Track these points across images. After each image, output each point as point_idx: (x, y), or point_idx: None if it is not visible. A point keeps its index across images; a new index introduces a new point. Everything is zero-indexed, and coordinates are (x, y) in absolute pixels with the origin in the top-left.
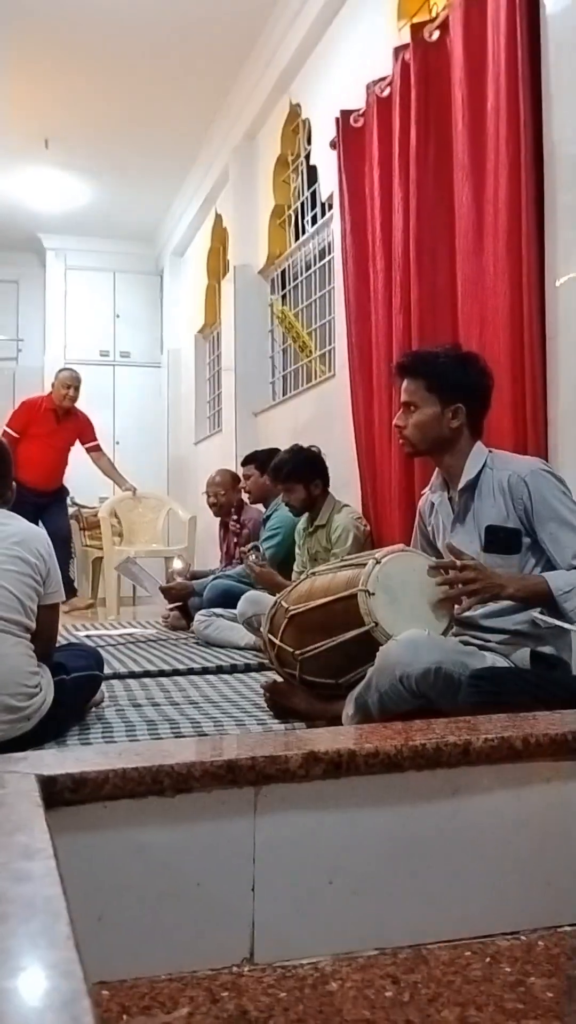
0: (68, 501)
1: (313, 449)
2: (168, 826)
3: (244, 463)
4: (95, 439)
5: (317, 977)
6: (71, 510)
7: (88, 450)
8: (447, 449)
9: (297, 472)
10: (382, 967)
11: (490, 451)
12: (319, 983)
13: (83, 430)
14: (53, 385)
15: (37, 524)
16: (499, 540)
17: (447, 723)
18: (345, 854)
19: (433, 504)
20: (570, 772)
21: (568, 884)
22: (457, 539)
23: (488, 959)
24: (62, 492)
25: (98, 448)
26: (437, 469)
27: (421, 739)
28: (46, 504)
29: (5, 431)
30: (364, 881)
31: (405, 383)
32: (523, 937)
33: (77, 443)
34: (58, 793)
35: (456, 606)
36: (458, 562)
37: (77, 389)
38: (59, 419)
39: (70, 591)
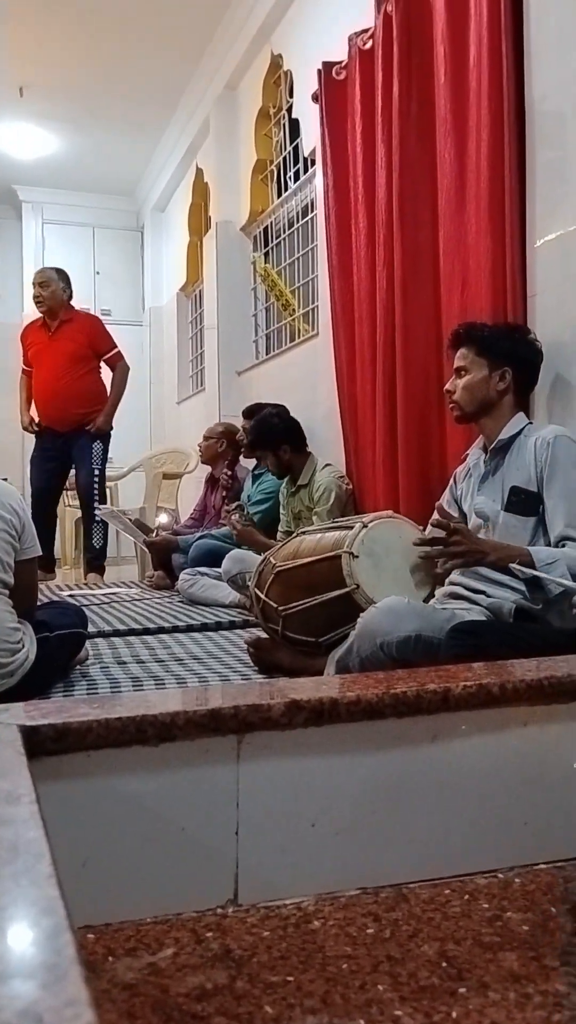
0: (98, 450)
1: (279, 410)
2: (152, 774)
3: (246, 415)
4: (113, 346)
5: (300, 916)
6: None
7: (108, 365)
8: (490, 412)
9: (259, 442)
10: (364, 906)
11: (530, 422)
12: (302, 922)
13: (91, 336)
14: None
15: (64, 478)
16: (520, 501)
17: (427, 671)
18: (327, 799)
19: (468, 468)
20: (546, 716)
21: (544, 824)
22: (482, 497)
23: (467, 896)
24: (84, 433)
25: (117, 358)
26: (480, 435)
27: (402, 687)
28: (70, 450)
29: (23, 369)
30: (346, 824)
31: (459, 351)
32: (500, 875)
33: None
34: (41, 743)
35: (436, 569)
36: (451, 524)
37: (44, 285)
38: (51, 330)
39: (95, 563)
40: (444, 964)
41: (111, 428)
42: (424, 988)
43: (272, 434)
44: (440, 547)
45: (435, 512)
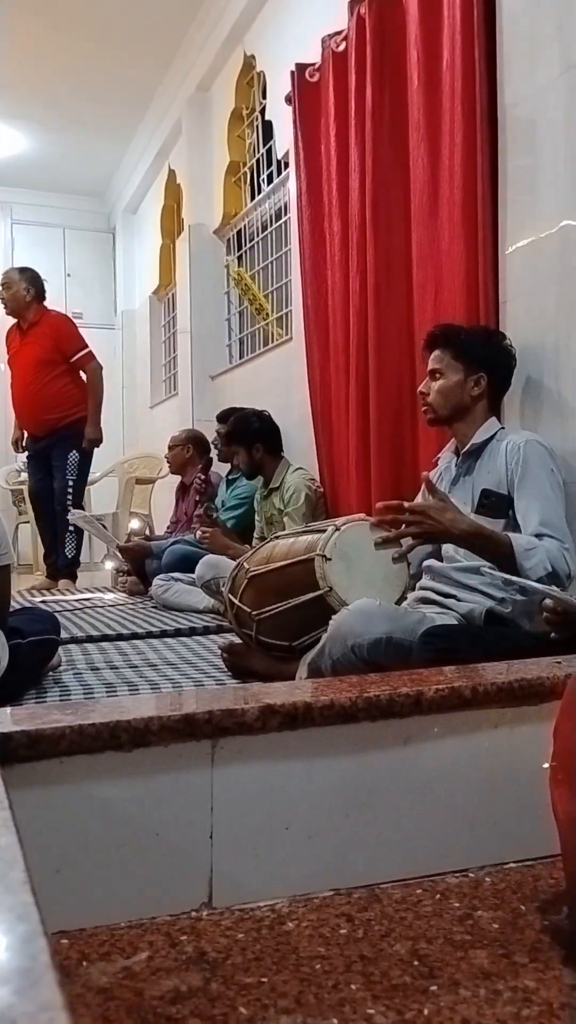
0: (73, 460)
1: (260, 413)
2: (126, 780)
3: (220, 419)
4: (80, 348)
5: (274, 918)
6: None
7: (77, 367)
8: (463, 416)
9: (235, 436)
10: (337, 907)
11: (503, 427)
12: (276, 924)
13: (57, 339)
14: None
15: (49, 482)
16: (491, 504)
17: (400, 675)
18: (301, 802)
19: (440, 472)
20: (516, 718)
21: (514, 824)
22: (454, 499)
23: (438, 895)
24: (59, 437)
25: (86, 361)
26: (452, 439)
27: (375, 691)
28: (49, 455)
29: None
30: (320, 827)
31: (434, 353)
32: (471, 874)
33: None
34: (13, 750)
35: (399, 547)
36: (405, 504)
37: (5, 286)
38: (23, 332)
39: (67, 570)
40: (416, 963)
41: (101, 436)
42: (396, 987)
43: (248, 430)
44: (402, 528)
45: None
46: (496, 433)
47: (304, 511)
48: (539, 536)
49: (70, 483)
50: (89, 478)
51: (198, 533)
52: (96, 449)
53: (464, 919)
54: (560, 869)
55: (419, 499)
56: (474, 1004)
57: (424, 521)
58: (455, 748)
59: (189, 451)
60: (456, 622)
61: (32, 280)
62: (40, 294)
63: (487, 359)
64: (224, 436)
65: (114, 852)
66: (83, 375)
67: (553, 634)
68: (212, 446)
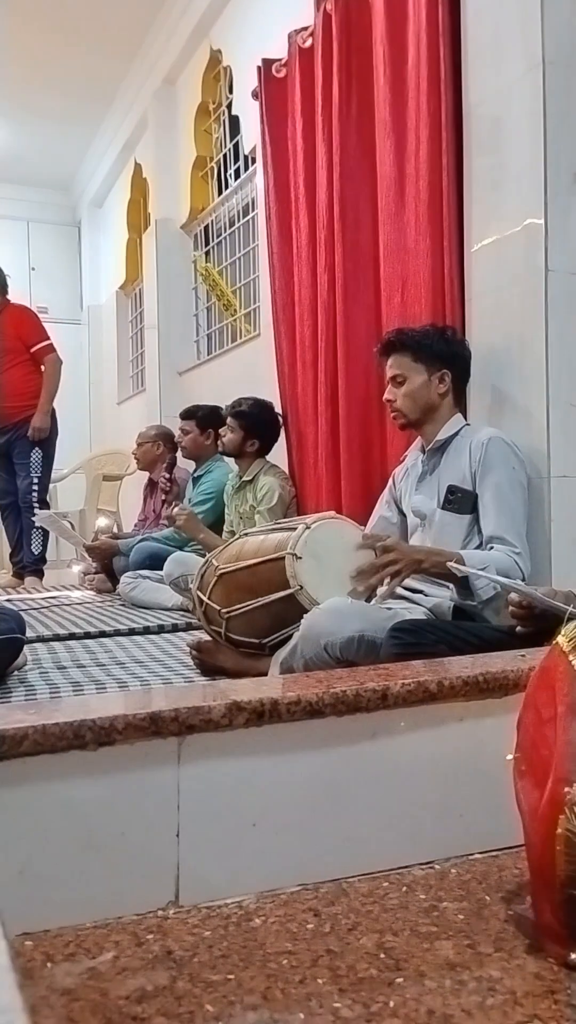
0: (36, 458)
1: (278, 417)
2: (90, 779)
3: (184, 416)
4: (42, 339)
5: (241, 915)
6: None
7: (37, 357)
8: (432, 416)
9: (246, 417)
10: (304, 902)
11: (467, 424)
12: (243, 920)
13: (19, 328)
14: None
15: (13, 480)
16: (456, 500)
17: (367, 671)
18: (268, 798)
19: (407, 468)
20: (481, 710)
21: (479, 815)
22: (420, 496)
23: (404, 888)
24: (18, 435)
25: (45, 352)
26: (418, 437)
27: (342, 686)
28: (10, 454)
29: None
30: (287, 822)
31: (391, 360)
32: (437, 866)
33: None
34: None
35: (380, 589)
36: (378, 544)
37: None
38: None
39: (33, 568)
40: (382, 955)
41: (48, 427)
42: (363, 980)
43: (259, 423)
44: (377, 573)
45: (372, 519)
46: (461, 429)
47: (276, 510)
48: (492, 541)
49: (34, 481)
50: (56, 475)
51: (175, 510)
52: (55, 441)
53: (430, 911)
54: (524, 859)
55: (371, 524)
56: (439, 995)
57: (397, 558)
58: (421, 741)
59: (160, 447)
60: (424, 617)
61: None
62: (3, 286)
63: (446, 355)
64: (235, 411)
65: (79, 852)
66: (42, 369)
67: (519, 628)
68: (176, 444)
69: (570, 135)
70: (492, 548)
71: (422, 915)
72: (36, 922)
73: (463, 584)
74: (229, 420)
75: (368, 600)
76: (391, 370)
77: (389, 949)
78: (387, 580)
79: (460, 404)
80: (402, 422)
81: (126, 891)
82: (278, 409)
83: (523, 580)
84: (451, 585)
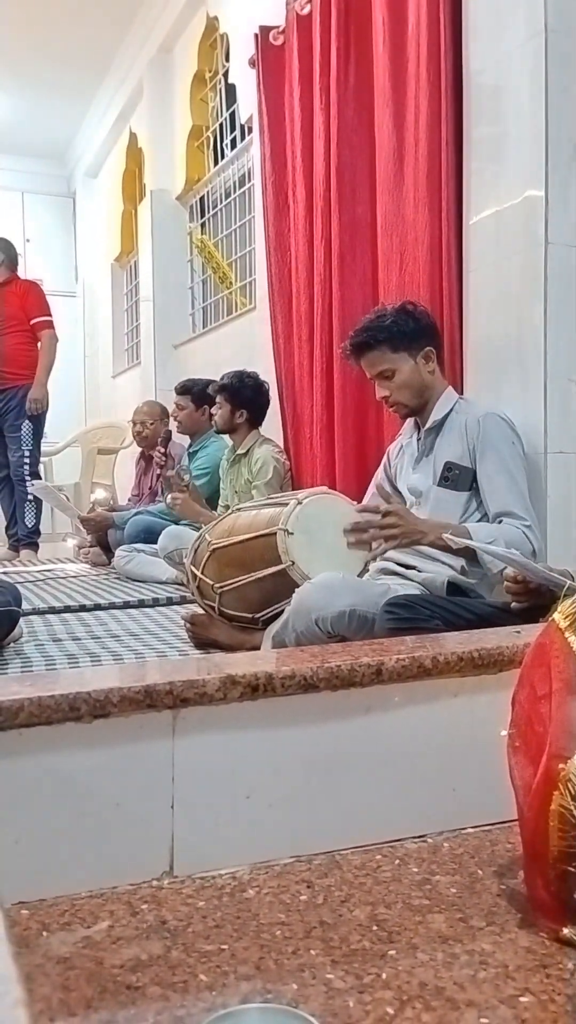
0: (27, 430)
1: (261, 384)
2: (86, 751)
3: (179, 392)
4: (43, 314)
5: (235, 886)
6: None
7: (35, 330)
8: (428, 395)
9: (228, 389)
10: (297, 873)
11: (461, 397)
12: (236, 891)
13: (23, 299)
14: None
15: (4, 452)
16: (453, 477)
17: (361, 645)
18: (262, 771)
19: (402, 446)
20: (475, 686)
21: (472, 790)
22: (417, 475)
23: (397, 861)
24: (8, 408)
25: (43, 326)
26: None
27: (336, 661)
28: (3, 424)
29: None
30: (281, 795)
31: (369, 358)
32: (430, 840)
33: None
34: None
35: (369, 550)
36: (382, 506)
37: None
38: None
39: (28, 540)
40: (375, 927)
41: (43, 399)
42: (355, 951)
43: (241, 393)
44: (374, 529)
45: (368, 493)
46: (455, 405)
47: (273, 483)
48: (500, 517)
49: (25, 454)
50: (51, 448)
51: (168, 498)
52: (46, 415)
53: (423, 884)
54: (516, 834)
55: (367, 498)
56: (431, 967)
57: (397, 523)
58: (415, 716)
59: (164, 424)
60: (418, 592)
61: (4, 248)
62: (12, 261)
63: (420, 331)
64: (219, 387)
65: (74, 823)
66: (39, 345)
67: (514, 604)
68: (172, 419)
69: (572, 105)
70: (501, 522)
71: (415, 888)
72: (32, 891)
73: (472, 558)
74: (217, 399)
75: (360, 575)
76: (374, 368)
77: (382, 921)
78: (381, 542)
79: (443, 371)
80: (404, 412)
81: (121, 861)
82: (270, 382)
83: (533, 552)
84: (463, 560)
